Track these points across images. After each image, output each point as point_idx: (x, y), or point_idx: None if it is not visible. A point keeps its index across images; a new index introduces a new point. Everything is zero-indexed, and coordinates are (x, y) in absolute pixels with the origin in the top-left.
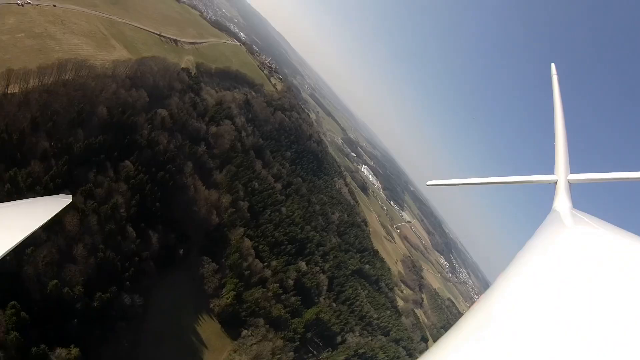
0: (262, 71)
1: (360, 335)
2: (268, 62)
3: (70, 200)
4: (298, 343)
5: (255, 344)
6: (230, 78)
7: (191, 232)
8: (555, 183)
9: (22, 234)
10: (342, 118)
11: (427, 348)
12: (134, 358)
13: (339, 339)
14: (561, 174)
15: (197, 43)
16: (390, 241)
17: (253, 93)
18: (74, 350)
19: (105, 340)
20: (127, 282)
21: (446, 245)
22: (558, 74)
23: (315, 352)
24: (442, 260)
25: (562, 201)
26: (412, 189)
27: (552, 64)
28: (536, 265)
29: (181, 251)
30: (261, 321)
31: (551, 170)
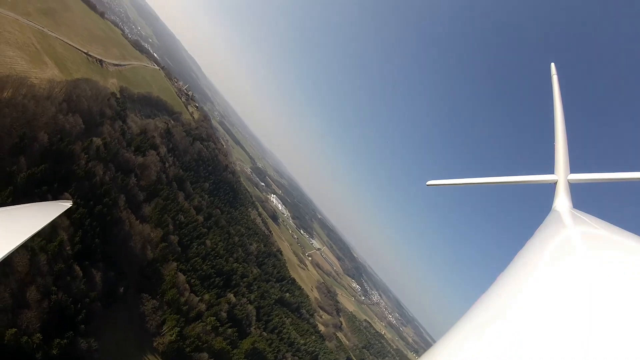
0: (180, 98)
1: None
2: (185, 89)
3: (70, 205)
4: None
5: None
6: (151, 105)
7: (127, 268)
8: (555, 183)
9: (22, 237)
10: (250, 146)
11: None
12: None
13: None
14: (561, 174)
15: (120, 65)
16: (304, 269)
17: (172, 121)
18: None
19: None
20: (82, 326)
21: (356, 269)
22: (558, 74)
23: None
24: (354, 284)
25: (562, 201)
26: (319, 216)
27: (552, 64)
28: (536, 265)
29: (121, 289)
30: (205, 355)
31: (551, 170)
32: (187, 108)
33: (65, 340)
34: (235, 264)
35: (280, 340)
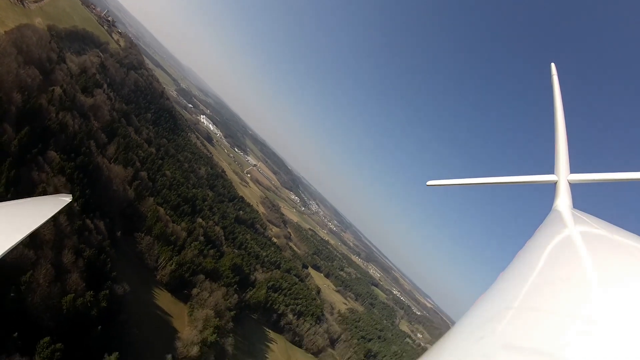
0: (102, 26)
1: (262, 271)
2: (104, 15)
3: (71, 199)
4: (236, 286)
5: (209, 295)
6: (79, 39)
7: (114, 212)
8: (555, 183)
9: (23, 232)
10: (170, 67)
11: (309, 274)
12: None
13: (252, 277)
14: (561, 174)
15: (39, 1)
16: (246, 186)
17: (101, 54)
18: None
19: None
20: (114, 273)
21: (293, 181)
22: (558, 74)
23: (242, 292)
24: (293, 196)
25: (562, 201)
26: (250, 132)
27: (552, 64)
28: (536, 265)
29: (119, 233)
30: (202, 276)
31: (551, 170)
32: (111, 36)
33: (106, 291)
34: (193, 190)
35: (248, 255)
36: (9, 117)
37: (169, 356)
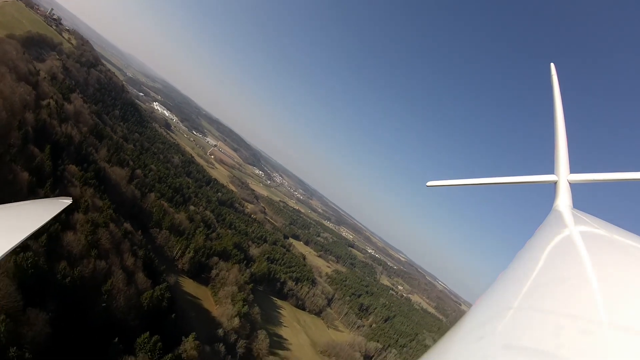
0: (51, 27)
1: (255, 247)
2: (49, 14)
3: (71, 201)
4: (245, 262)
5: (227, 272)
6: (34, 44)
7: (127, 212)
8: (555, 183)
9: (23, 234)
10: (114, 57)
11: (290, 243)
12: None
13: (250, 253)
14: (561, 174)
15: None
16: (213, 168)
17: (58, 56)
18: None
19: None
20: (163, 267)
21: (254, 156)
22: (558, 74)
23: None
24: (257, 171)
25: (562, 201)
26: (204, 112)
27: (552, 64)
28: (536, 265)
29: (139, 232)
30: (215, 258)
31: (551, 170)
32: (62, 36)
33: (165, 284)
34: (178, 179)
35: (238, 233)
36: (30, 138)
37: (220, 330)
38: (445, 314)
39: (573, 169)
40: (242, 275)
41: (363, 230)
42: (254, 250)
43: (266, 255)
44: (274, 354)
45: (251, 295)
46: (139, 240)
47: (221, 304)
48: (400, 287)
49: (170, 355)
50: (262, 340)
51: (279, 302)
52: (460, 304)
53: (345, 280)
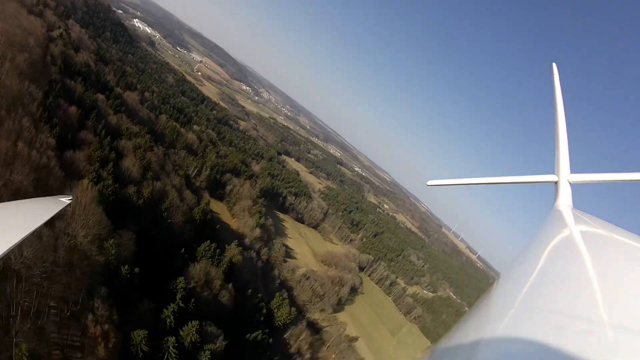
0: None
1: (255, 163)
2: None
3: (71, 200)
4: (254, 178)
5: (241, 189)
6: None
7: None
8: (556, 183)
9: (24, 232)
10: None
11: (284, 160)
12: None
13: (252, 168)
14: (561, 174)
15: None
16: (202, 85)
17: None
18: None
19: None
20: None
21: (240, 71)
22: (559, 74)
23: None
24: (244, 87)
25: (562, 201)
26: (186, 27)
27: (553, 64)
28: (537, 264)
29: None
30: (228, 175)
31: (552, 170)
32: None
33: (206, 199)
34: (177, 100)
35: (239, 150)
36: (63, 72)
37: (246, 240)
38: (428, 234)
39: (573, 169)
40: (254, 189)
41: (350, 148)
42: (255, 167)
43: (267, 171)
44: (286, 261)
45: (264, 208)
46: (174, 161)
47: (238, 218)
48: (386, 206)
49: (226, 259)
50: (278, 249)
51: (281, 215)
52: (441, 227)
53: (337, 197)
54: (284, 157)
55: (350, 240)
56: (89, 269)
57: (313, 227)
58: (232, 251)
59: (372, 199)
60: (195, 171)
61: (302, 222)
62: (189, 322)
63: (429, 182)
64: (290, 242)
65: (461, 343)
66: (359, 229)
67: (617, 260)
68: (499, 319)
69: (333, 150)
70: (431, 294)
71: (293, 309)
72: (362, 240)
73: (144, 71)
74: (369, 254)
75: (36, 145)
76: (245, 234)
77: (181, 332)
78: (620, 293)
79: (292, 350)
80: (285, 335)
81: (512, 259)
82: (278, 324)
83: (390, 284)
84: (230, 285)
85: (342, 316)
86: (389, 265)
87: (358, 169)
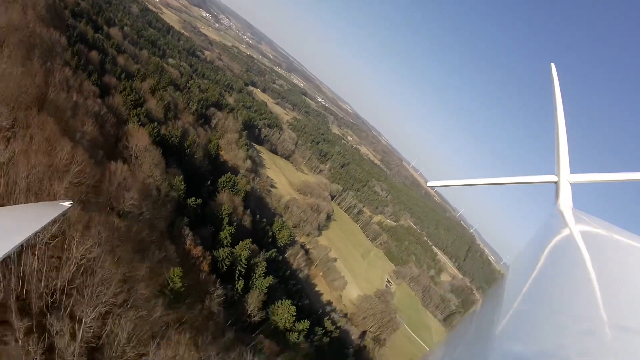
0: None
1: (228, 95)
2: None
3: (70, 205)
4: (234, 111)
5: (226, 122)
6: None
7: None
8: (556, 183)
9: (23, 236)
10: None
11: (252, 91)
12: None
13: (226, 97)
14: (561, 174)
15: None
16: (162, 13)
17: None
18: None
19: None
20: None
21: None
22: (558, 74)
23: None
24: (204, 13)
25: (562, 201)
26: None
27: (552, 64)
28: (537, 264)
29: None
30: (212, 109)
31: (552, 170)
32: None
33: (218, 132)
34: (147, 32)
35: (213, 82)
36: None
37: (241, 171)
38: (390, 167)
39: (573, 169)
40: (237, 122)
41: (313, 78)
42: (229, 99)
43: (241, 103)
44: (270, 191)
45: (247, 139)
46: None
47: (226, 150)
48: (349, 138)
49: (242, 189)
50: (265, 180)
51: (257, 147)
52: (402, 160)
53: (305, 128)
54: (250, 88)
55: (320, 170)
56: (170, 203)
57: (286, 158)
58: (242, 182)
59: (336, 130)
60: (183, 104)
61: (276, 153)
62: (240, 241)
63: (429, 183)
64: (269, 173)
65: (463, 342)
66: (327, 160)
67: (617, 260)
68: (499, 319)
69: (296, 80)
70: (394, 223)
71: (290, 231)
72: (330, 171)
73: (109, 2)
74: (338, 184)
75: (85, 93)
76: (239, 166)
77: (235, 249)
78: (620, 293)
79: (294, 267)
80: (286, 255)
81: (512, 259)
82: (280, 244)
83: (358, 213)
84: (248, 211)
85: (321, 240)
86: (356, 195)
87: (321, 100)
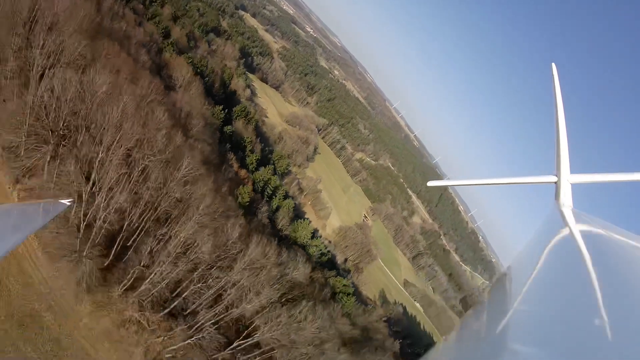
0: None
1: (222, 19)
2: None
3: (71, 203)
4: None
5: (225, 48)
6: None
7: None
8: (556, 183)
9: (23, 235)
10: None
11: (242, 15)
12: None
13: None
14: (561, 174)
15: None
16: None
17: None
18: None
19: None
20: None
21: None
22: (558, 74)
23: None
24: None
25: (562, 201)
26: None
27: (553, 64)
28: (536, 265)
29: None
30: (211, 35)
31: (552, 170)
32: None
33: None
34: None
35: (207, 5)
36: None
37: (242, 100)
38: (373, 106)
39: (573, 169)
40: (235, 50)
41: (303, 6)
42: (223, 23)
43: (234, 29)
44: (263, 120)
45: (244, 68)
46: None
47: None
48: (336, 72)
49: (254, 118)
50: (260, 109)
51: (250, 75)
52: (385, 101)
53: (294, 58)
54: (241, 12)
55: (307, 102)
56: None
57: (275, 88)
58: (253, 111)
59: (324, 63)
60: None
61: (266, 83)
62: (261, 167)
63: (429, 183)
64: (261, 102)
65: (463, 342)
66: (314, 93)
67: (617, 260)
68: (498, 319)
69: (286, 6)
70: (374, 162)
71: (288, 161)
72: (317, 104)
73: None
74: (324, 118)
75: (129, 21)
76: (240, 94)
77: (257, 173)
78: (620, 293)
79: (289, 194)
80: (283, 182)
81: (512, 259)
82: (279, 172)
83: (341, 148)
84: (258, 140)
85: (308, 172)
86: (340, 130)
87: (310, 30)
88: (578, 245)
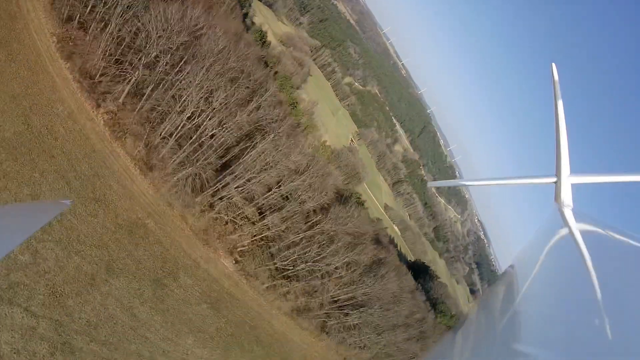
0: None
1: None
2: None
3: (69, 205)
4: None
5: None
6: None
7: None
8: (556, 183)
9: (22, 237)
10: None
11: None
12: None
13: None
14: (561, 175)
15: None
16: None
17: None
18: None
19: None
20: None
21: None
22: (558, 74)
23: None
24: None
25: (562, 201)
26: None
27: (553, 64)
28: (536, 265)
29: None
30: None
31: (552, 171)
32: None
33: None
34: None
35: None
36: None
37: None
38: (364, 30)
39: (573, 170)
40: None
41: None
42: None
43: None
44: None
45: None
46: None
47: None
48: None
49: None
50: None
51: None
52: (376, 25)
53: None
54: None
55: (300, 23)
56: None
57: (268, 6)
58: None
59: None
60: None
61: (260, 0)
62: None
63: (429, 184)
64: (256, 20)
65: (464, 341)
66: (306, 12)
67: (617, 260)
68: (499, 318)
69: None
70: (362, 87)
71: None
72: (309, 25)
73: None
74: (317, 39)
75: None
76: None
77: None
78: (620, 293)
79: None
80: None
81: (512, 259)
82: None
83: (331, 71)
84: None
85: (301, 94)
86: (331, 53)
87: None
88: (578, 245)
